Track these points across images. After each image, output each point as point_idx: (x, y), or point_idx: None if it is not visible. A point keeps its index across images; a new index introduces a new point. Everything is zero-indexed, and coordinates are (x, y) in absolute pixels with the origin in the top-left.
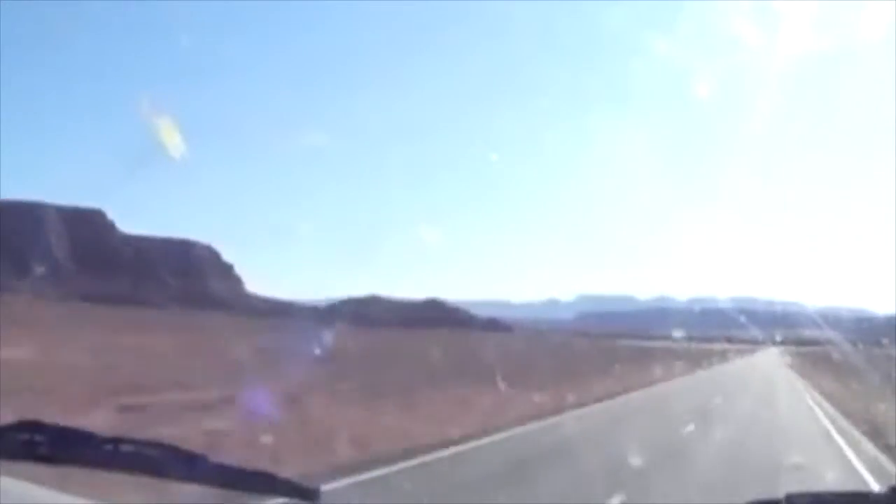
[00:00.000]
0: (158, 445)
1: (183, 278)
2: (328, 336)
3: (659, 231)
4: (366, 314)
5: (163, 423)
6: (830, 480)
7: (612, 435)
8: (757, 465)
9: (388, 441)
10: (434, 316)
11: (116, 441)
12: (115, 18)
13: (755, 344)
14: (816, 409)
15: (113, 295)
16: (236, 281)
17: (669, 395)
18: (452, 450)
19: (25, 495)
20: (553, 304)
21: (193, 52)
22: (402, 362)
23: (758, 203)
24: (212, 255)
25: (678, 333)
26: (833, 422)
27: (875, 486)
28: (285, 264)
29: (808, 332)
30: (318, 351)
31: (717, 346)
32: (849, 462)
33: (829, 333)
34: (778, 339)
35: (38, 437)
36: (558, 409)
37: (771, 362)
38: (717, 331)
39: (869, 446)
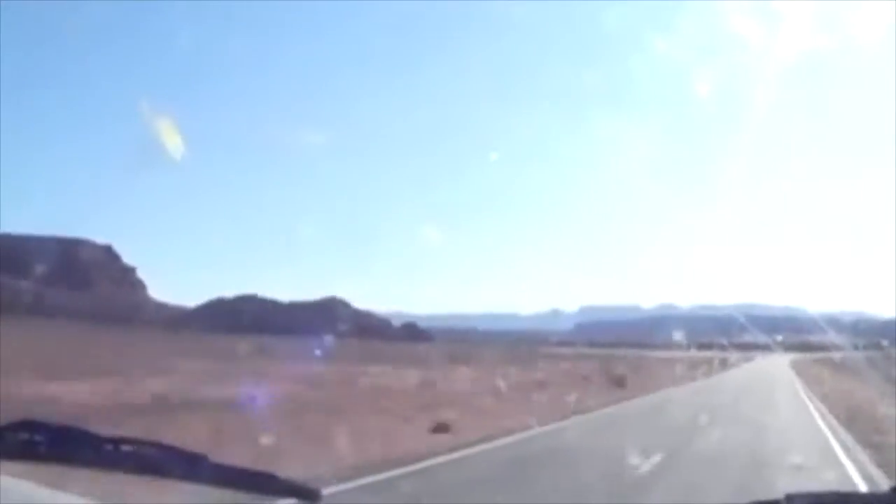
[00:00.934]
0: (158, 445)
1: (60, 282)
2: None
3: (661, 238)
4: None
5: None
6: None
7: None
8: None
9: None
10: (326, 319)
11: (116, 441)
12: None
13: (759, 349)
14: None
15: None
16: (137, 286)
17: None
18: None
19: (25, 495)
20: (556, 314)
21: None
22: None
23: (758, 207)
24: (109, 257)
25: (677, 339)
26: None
27: None
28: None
29: (812, 337)
30: None
31: (718, 354)
32: None
33: (833, 336)
34: (780, 343)
35: (38, 437)
36: None
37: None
38: (722, 337)
39: None
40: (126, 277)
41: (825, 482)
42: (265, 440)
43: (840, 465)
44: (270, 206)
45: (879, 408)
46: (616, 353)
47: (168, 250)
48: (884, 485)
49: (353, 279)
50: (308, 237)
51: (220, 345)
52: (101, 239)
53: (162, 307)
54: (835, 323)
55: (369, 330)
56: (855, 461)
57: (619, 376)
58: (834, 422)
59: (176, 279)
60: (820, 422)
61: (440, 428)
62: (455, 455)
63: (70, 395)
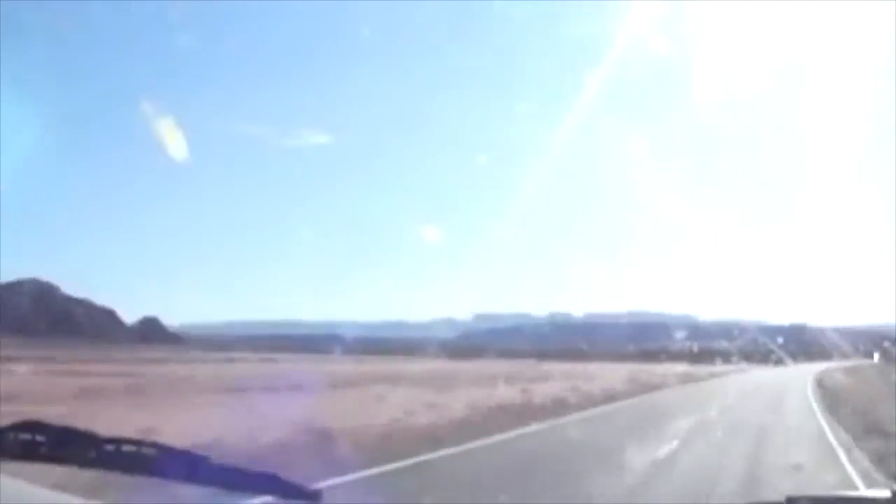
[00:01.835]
0: (158, 446)
1: None
2: None
3: (551, 247)
4: None
5: None
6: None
7: None
8: None
9: None
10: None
11: (116, 441)
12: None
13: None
14: None
15: None
16: None
17: None
18: None
19: (25, 495)
20: (449, 322)
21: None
22: None
23: (645, 217)
24: None
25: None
26: None
27: None
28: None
29: (713, 344)
30: None
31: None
32: None
33: (723, 344)
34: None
35: (38, 437)
36: None
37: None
38: (609, 346)
39: None
40: None
41: None
42: None
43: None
44: None
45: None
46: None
47: None
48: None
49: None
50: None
51: None
52: None
53: None
54: (727, 330)
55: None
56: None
57: None
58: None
59: None
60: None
61: None
62: None
63: None
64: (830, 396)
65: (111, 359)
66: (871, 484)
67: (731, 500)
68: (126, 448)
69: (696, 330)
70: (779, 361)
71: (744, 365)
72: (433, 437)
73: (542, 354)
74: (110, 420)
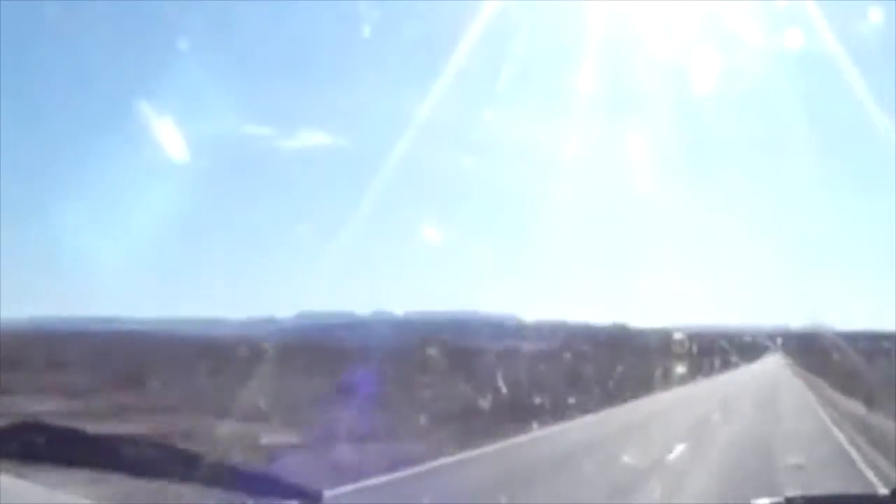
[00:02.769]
0: (159, 446)
1: None
2: None
3: (374, 245)
4: None
5: None
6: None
7: None
8: None
9: None
10: None
11: (116, 441)
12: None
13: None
14: None
15: None
16: None
17: None
18: None
19: (25, 495)
20: (270, 321)
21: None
22: None
23: (474, 213)
24: None
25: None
26: None
27: None
28: None
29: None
30: None
31: None
32: None
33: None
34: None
35: (38, 438)
36: None
37: None
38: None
39: None
40: None
41: None
42: None
43: None
44: None
45: None
46: None
47: None
48: None
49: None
50: None
51: None
52: None
53: None
54: (538, 330)
55: None
56: None
57: None
58: None
59: None
60: None
61: None
62: None
63: None
64: None
65: None
66: None
67: None
68: (126, 448)
69: (523, 330)
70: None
71: None
72: None
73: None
74: None
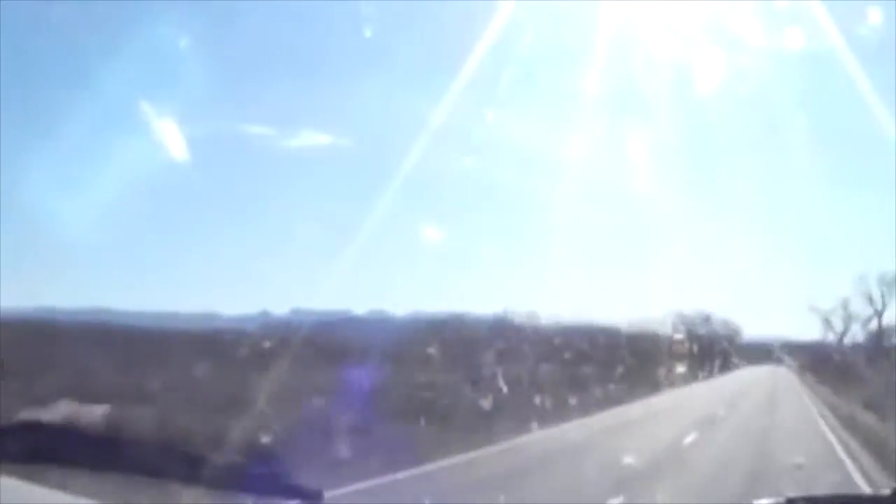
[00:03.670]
0: (159, 446)
1: None
2: None
3: (374, 245)
4: None
5: None
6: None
7: None
8: None
9: None
10: None
11: (116, 441)
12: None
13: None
14: None
15: None
16: None
17: None
18: None
19: (25, 495)
20: (265, 316)
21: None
22: None
23: (474, 217)
24: None
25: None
26: None
27: None
28: None
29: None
30: None
31: None
32: None
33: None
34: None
35: (38, 438)
36: None
37: None
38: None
39: None
40: None
41: None
42: None
43: None
44: None
45: None
46: None
47: None
48: None
49: None
50: None
51: None
52: None
53: None
54: (539, 330)
55: None
56: None
57: None
58: None
59: None
60: None
61: None
62: None
63: None
64: None
65: None
66: None
67: None
68: (126, 448)
69: (524, 330)
70: None
71: None
72: None
73: None
74: None
